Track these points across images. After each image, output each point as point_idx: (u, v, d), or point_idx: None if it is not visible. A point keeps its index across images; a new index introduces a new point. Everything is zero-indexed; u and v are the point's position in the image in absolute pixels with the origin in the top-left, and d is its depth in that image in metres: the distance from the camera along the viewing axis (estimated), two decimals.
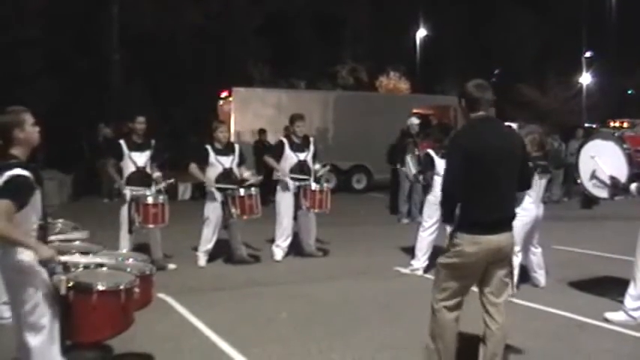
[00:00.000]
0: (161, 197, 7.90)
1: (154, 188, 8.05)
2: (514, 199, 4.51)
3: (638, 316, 5.93)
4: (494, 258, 4.23)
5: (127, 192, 7.94)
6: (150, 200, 7.78)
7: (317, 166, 8.97)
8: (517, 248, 6.99)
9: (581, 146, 6.76)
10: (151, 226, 7.86)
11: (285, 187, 8.84)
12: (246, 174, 8.50)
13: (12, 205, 3.58)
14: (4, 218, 3.54)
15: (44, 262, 3.72)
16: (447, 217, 4.37)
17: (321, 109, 20.32)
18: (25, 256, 3.70)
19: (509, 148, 4.31)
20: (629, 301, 5.99)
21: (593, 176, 6.34)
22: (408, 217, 12.68)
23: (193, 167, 8.43)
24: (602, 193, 6.40)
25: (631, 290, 6.00)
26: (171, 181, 8.41)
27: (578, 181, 6.69)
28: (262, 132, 16.78)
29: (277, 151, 8.94)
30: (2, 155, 3.80)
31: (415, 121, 13.38)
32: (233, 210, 8.12)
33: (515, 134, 4.64)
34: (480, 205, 4.18)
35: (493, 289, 4.33)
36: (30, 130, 3.88)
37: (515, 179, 4.34)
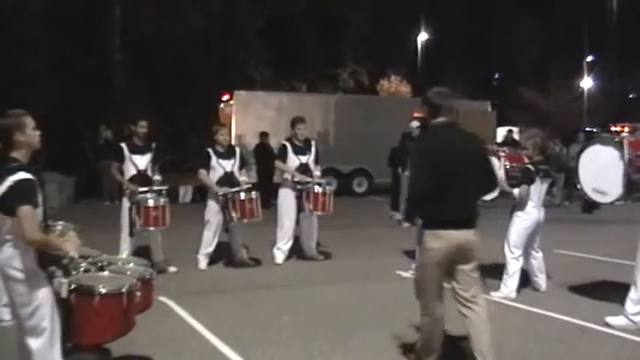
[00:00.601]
0: (162, 200, 7.90)
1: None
2: (477, 199, 4.77)
3: (638, 321, 5.92)
4: (457, 254, 4.49)
5: (127, 200, 7.96)
6: (150, 203, 7.78)
7: (317, 173, 8.95)
8: (518, 252, 7.01)
9: (580, 151, 6.76)
10: (151, 228, 7.86)
11: (288, 190, 8.84)
12: (242, 179, 8.48)
13: (32, 210, 3.64)
14: (32, 224, 3.61)
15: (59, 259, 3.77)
16: (410, 216, 4.59)
17: (322, 112, 20.33)
18: (26, 259, 3.72)
19: (471, 152, 4.60)
20: (629, 306, 5.97)
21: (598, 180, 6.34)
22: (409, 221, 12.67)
23: (203, 174, 8.40)
24: (602, 198, 6.41)
25: (632, 294, 5.99)
26: (165, 187, 8.28)
27: (578, 186, 6.70)
28: (264, 135, 16.77)
29: (282, 155, 8.93)
30: (3, 158, 3.81)
31: (416, 124, 13.35)
32: (233, 214, 8.12)
33: (477, 138, 4.88)
34: (444, 205, 4.42)
35: (462, 285, 4.57)
36: (31, 133, 3.89)
37: (478, 181, 4.61)
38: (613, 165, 6.15)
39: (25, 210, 3.60)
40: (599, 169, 6.33)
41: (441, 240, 4.43)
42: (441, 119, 4.64)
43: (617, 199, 6.26)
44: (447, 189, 4.39)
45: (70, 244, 3.89)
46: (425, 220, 4.60)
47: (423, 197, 4.42)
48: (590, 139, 6.81)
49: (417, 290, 4.66)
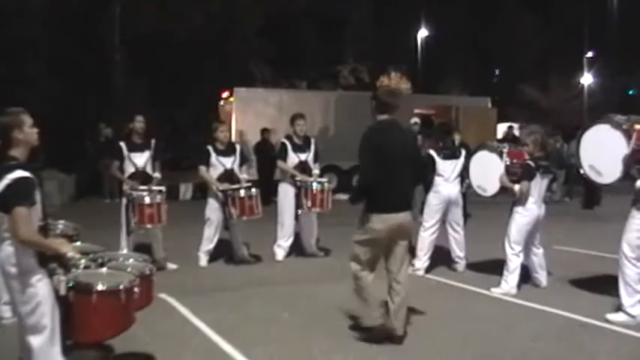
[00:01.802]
0: (157, 197, 7.87)
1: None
2: (411, 187, 5.56)
3: (637, 315, 5.91)
4: (397, 233, 5.22)
5: (125, 198, 7.97)
6: (146, 200, 7.77)
7: (316, 171, 8.94)
8: (518, 248, 7.01)
9: (582, 133, 6.70)
10: (148, 225, 7.85)
11: (287, 187, 8.84)
12: (242, 176, 8.48)
13: (27, 209, 3.63)
14: (26, 224, 3.61)
15: (59, 261, 3.77)
16: (357, 200, 5.29)
17: (323, 109, 20.29)
18: (26, 256, 3.72)
19: (408, 147, 5.39)
20: (625, 299, 5.97)
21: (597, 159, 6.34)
22: None
23: (203, 170, 8.40)
24: (597, 178, 6.40)
25: (622, 287, 5.99)
26: (162, 187, 8.29)
27: (572, 160, 6.68)
28: (266, 131, 16.76)
29: (282, 154, 8.92)
30: (1, 157, 3.81)
31: (416, 121, 13.35)
32: (233, 211, 8.11)
33: (412, 135, 5.78)
34: (386, 191, 5.11)
35: (394, 260, 5.30)
36: (29, 131, 3.90)
37: (412, 172, 5.36)
38: (615, 149, 6.11)
39: (19, 210, 3.60)
40: (600, 148, 6.31)
41: (386, 222, 5.12)
42: (386, 116, 5.33)
43: (611, 183, 6.28)
44: (389, 179, 5.11)
45: (67, 245, 3.89)
46: (371, 205, 5.17)
47: (370, 186, 5.12)
48: (598, 118, 6.76)
49: (357, 259, 5.27)
